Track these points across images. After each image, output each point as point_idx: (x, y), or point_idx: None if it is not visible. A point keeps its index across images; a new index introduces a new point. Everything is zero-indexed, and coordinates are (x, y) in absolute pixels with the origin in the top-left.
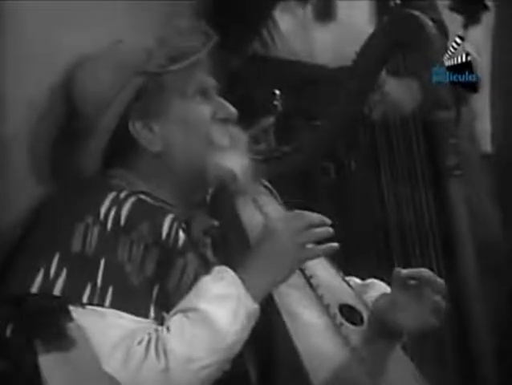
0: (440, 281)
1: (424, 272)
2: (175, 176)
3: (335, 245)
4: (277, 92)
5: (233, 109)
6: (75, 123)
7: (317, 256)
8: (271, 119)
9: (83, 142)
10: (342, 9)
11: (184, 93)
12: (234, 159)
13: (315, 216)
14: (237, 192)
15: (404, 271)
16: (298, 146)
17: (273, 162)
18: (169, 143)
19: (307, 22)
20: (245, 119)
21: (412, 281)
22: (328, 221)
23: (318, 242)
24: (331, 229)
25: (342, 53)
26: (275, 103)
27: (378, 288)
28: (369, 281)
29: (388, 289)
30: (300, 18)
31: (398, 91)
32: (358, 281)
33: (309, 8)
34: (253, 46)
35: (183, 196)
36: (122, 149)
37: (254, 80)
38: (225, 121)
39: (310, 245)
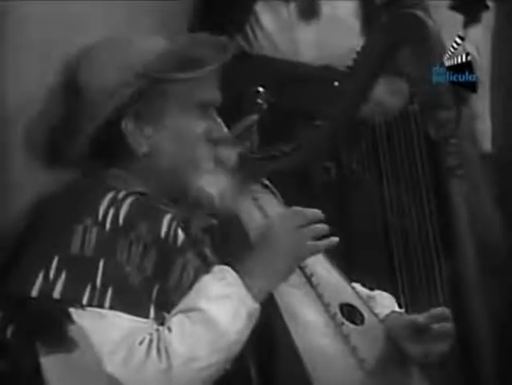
0: (450, 323)
1: (439, 313)
2: (163, 180)
3: (335, 239)
4: (261, 90)
5: (226, 130)
6: (73, 107)
7: (317, 252)
8: (255, 117)
9: (78, 129)
10: (326, 7)
11: (184, 104)
12: (216, 183)
13: (313, 212)
14: (213, 214)
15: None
16: (298, 146)
17: (273, 161)
18: (157, 148)
19: (291, 21)
20: (230, 116)
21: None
22: (321, 214)
23: (317, 238)
24: (325, 226)
25: (326, 51)
26: (259, 101)
27: (384, 302)
28: (375, 293)
29: (394, 303)
30: (284, 16)
31: (385, 90)
32: (363, 289)
33: (292, 6)
34: (238, 43)
35: (176, 198)
36: (118, 150)
37: (238, 78)
38: (216, 142)
39: (309, 242)
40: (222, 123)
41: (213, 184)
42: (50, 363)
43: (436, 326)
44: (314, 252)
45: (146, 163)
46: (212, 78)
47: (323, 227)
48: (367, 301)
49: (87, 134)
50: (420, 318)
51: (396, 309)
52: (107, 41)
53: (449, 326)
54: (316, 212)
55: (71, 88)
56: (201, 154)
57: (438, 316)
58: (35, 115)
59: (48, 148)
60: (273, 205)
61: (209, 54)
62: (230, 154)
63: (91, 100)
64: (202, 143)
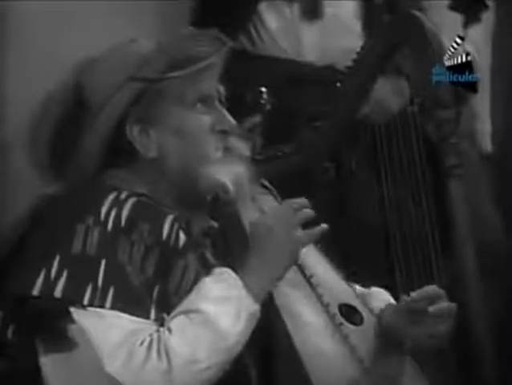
0: (449, 302)
1: (431, 291)
2: (171, 182)
3: (325, 226)
4: (263, 90)
5: (233, 121)
6: (76, 118)
7: (309, 240)
8: (258, 118)
9: (82, 139)
10: (328, 7)
11: (183, 101)
12: (226, 170)
13: (298, 201)
14: (230, 202)
15: (411, 297)
16: (298, 146)
17: (273, 162)
18: (165, 150)
19: (294, 21)
20: (233, 117)
21: (420, 304)
22: (306, 202)
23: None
24: (311, 211)
25: (329, 51)
26: (262, 101)
27: (381, 297)
28: (371, 289)
29: (390, 298)
30: (287, 16)
31: (385, 90)
32: (360, 288)
33: (296, 7)
34: (242, 43)
35: (181, 199)
36: (121, 151)
37: (242, 78)
38: (223, 133)
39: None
40: (228, 114)
41: (223, 172)
42: (49, 363)
43: (432, 307)
44: (306, 241)
45: (153, 164)
46: (210, 71)
47: (307, 212)
48: (364, 298)
49: (93, 147)
50: (413, 299)
51: (392, 302)
52: (104, 51)
53: (446, 304)
54: (301, 201)
55: (76, 102)
56: (209, 146)
57: (430, 295)
58: (39, 126)
59: (53, 164)
60: (273, 206)
61: (202, 49)
62: (240, 143)
63: (94, 113)
64: (209, 135)
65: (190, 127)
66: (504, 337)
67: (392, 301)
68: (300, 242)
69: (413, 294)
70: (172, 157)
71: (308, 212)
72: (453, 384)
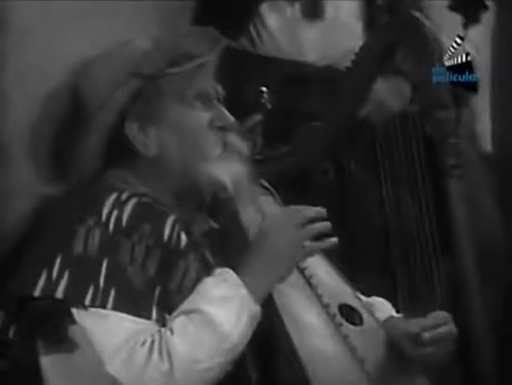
0: (452, 326)
1: (435, 318)
2: (171, 181)
3: (335, 239)
4: (264, 90)
5: (231, 118)
6: (76, 119)
7: (316, 252)
8: (258, 117)
9: (81, 139)
10: (329, 7)
11: (182, 98)
12: (226, 169)
13: (312, 210)
14: (229, 201)
15: (416, 328)
16: (297, 146)
17: (272, 162)
18: (164, 148)
19: (295, 21)
20: (233, 117)
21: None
22: (324, 212)
23: (318, 237)
24: (328, 223)
25: (329, 51)
26: (262, 100)
27: (382, 308)
28: (373, 299)
29: (391, 310)
30: (288, 16)
31: (385, 90)
32: (361, 297)
33: (297, 6)
34: (242, 43)
35: (181, 199)
36: (121, 150)
37: (242, 78)
38: (222, 129)
39: (308, 242)
40: (227, 112)
41: (222, 170)
42: (50, 363)
43: (432, 332)
44: (312, 252)
45: (153, 163)
46: (205, 69)
47: (323, 225)
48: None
49: (93, 147)
50: (416, 327)
51: (394, 314)
52: (102, 51)
53: (447, 328)
54: (317, 210)
55: (74, 103)
56: (208, 142)
57: (436, 321)
58: (39, 126)
59: (53, 164)
60: (272, 207)
61: (198, 46)
62: (239, 140)
63: (93, 113)
64: (208, 132)
65: (189, 123)
66: (503, 336)
67: (394, 313)
68: (306, 253)
69: (419, 322)
70: (172, 155)
71: (324, 225)
72: (451, 383)
